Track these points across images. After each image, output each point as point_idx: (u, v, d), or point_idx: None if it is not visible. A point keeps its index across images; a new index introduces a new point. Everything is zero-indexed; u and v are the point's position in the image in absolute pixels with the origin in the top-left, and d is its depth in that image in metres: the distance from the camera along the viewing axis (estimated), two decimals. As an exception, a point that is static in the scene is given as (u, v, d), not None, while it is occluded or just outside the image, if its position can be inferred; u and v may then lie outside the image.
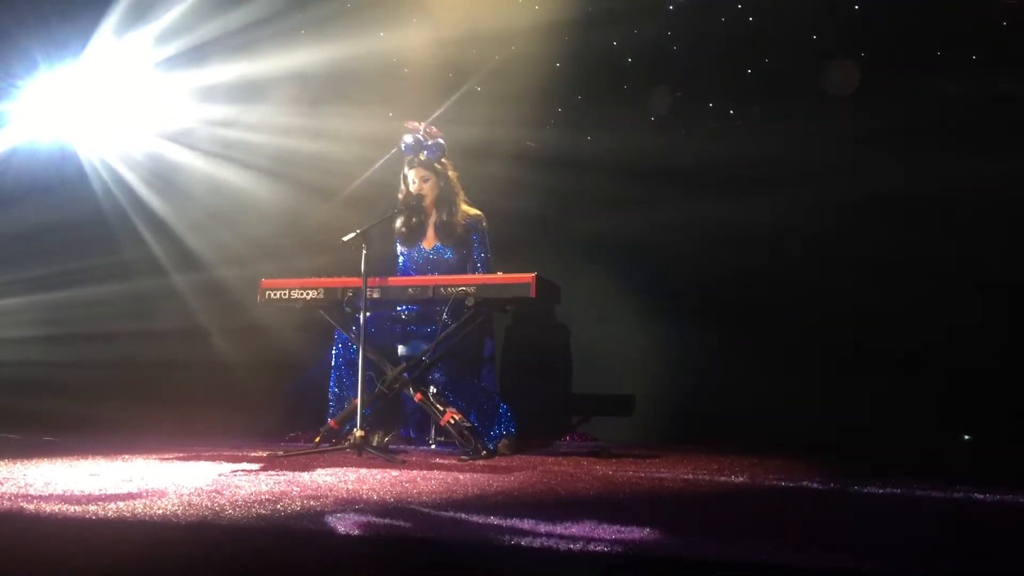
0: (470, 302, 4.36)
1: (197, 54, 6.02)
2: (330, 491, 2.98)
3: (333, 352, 4.74)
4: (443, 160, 4.80)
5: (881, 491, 3.34)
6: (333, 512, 2.56)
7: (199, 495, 2.81)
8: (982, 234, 4.94)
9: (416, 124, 4.82)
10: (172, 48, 6.03)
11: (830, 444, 4.91)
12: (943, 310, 4.93)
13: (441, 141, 4.78)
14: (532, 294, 4.29)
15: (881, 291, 5.09)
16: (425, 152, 4.76)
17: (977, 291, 4.88)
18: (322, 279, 4.62)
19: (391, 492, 2.99)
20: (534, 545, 2.13)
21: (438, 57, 5.87)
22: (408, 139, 4.76)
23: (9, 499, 2.69)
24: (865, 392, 5.01)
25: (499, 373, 5.46)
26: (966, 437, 4.99)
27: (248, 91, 6.08)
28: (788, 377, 5.16)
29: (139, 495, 2.80)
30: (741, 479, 3.59)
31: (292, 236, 6.02)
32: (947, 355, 4.91)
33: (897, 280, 5.05)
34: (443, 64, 5.89)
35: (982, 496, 3.21)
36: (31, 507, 2.55)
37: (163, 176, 6.31)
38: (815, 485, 3.49)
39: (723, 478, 3.61)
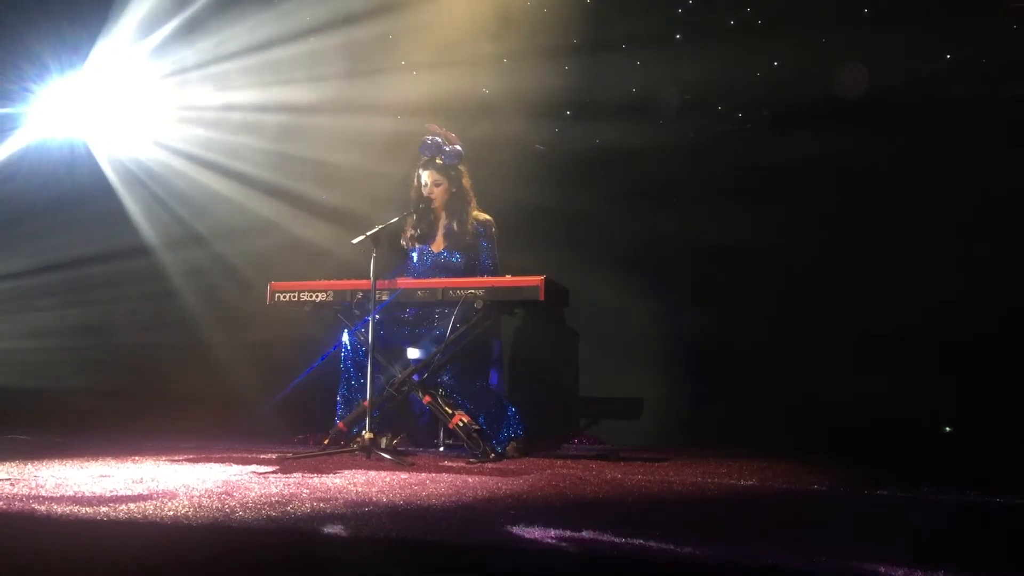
0: (479, 305, 4.36)
1: (206, 54, 6.06)
2: (340, 493, 2.99)
3: (341, 354, 4.76)
4: (459, 167, 4.81)
5: (889, 493, 3.34)
6: (343, 514, 2.56)
7: (209, 497, 2.82)
8: (988, 235, 4.94)
9: (437, 127, 4.84)
10: (180, 49, 6.07)
11: (839, 447, 4.90)
12: (947, 314, 4.92)
13: (459, 148, 4.80)
14: (541, 297, 4.30)
15: (888, 294, 5.09)
16: (442, 157, 4.78)
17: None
18: (331, 281, 4.64)
19: (400, 494, 3.00)
20: (543, 548, 2.13)
21: (447, 61, 5.89)
22: (428, 140, 4.79)
23: (20, 500, 2.70)
24: (871, 393, 4.99)
25: (507, 376, 5.46)
26: (947, 429, 4.99)
27: (257, 91, 6.11)
28: (797, 380, 5.15)
29: (150, 496, 2.81)
30: (750, 482, 3.59)
31: (300, 243, 6.04)
32: (950, 354, 4.91)
33: (906, 284, 5.04)
34: (452, 67, 5.91)
35: (988, 499, 3.21)
36: (42, 508, 2.56)
37: (171, 177, 6.34)
38: (824, 489, 3.49)
39: (732, 481, 3.61)
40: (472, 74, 5.88)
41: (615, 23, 5.63)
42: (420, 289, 4.52)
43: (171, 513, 2.51)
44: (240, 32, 5.99)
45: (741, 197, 5.40)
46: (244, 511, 2.57)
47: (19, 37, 6.03)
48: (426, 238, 4.87)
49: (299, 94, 6.11)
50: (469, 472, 3.76)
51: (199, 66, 6.08)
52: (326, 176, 6.15)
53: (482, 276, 4.69)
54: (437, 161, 4.78)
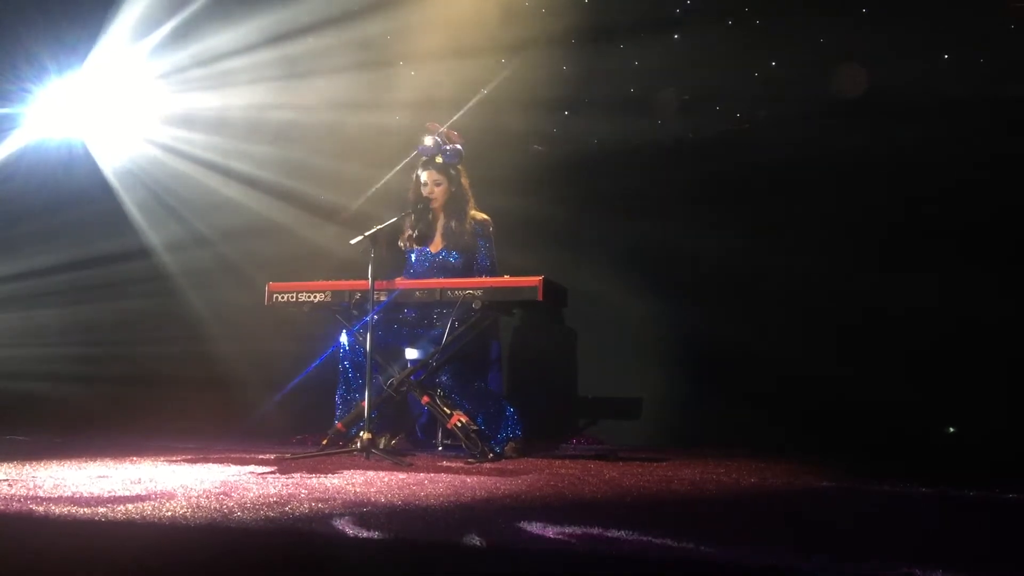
0: (477, 305, 4.36)
1: (202, 54, 6.05)
2: (338, 493, 2.98)
3: (340, 355, 4.76)
4: (458, 166, 4.81)
5: (889, 492, 3.34)
6: (341, 514, 2.56)
7: (207, 497, 2.82)
8: (988, 234, 4.94)
9: (437, 126, 4.83)
10: (178, 49, 6.06)
11: (838, 446, 4.90)
12: (948, 313, 4.92)
13: (459, 147, 4.79)
14: (539, 297, 4.29)
15: (887, 294, 5.09)
16: (442, 156, 4.77)
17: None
18: (330, 282, 4.63)
19: (399, 495, 2.99)
20: (542, 548, 2.13)
21: (445, 60, 5.89)
22: (427, 140, 4.77)
23: (19, 501, 2.70)
24: (871, 392, 4.99)
25: (506, 376, 5.46)
26: (951, 430, 4.99)
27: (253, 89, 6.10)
28: (797, 380, 5.14)
29: (148, 497, 2.81)
30: (749, 482, 3.59)
31: (299, 242, 6.03)
32: (948, 355, 4.91)
33: (907, 283, 5.04)
34: (451, 67, 5.91)
35: (989, 497, 3.21)
36: (40, 509, 2.56)
37: (169, 177, 6.33)
38: (823, 488, 3.49)
39: (731, 480, 3.61)
40: (470, 74, 5.88)
41: (613, 23, 5.63)
42: (418, 290, 4.52)
43: (169, 514, 2.51)
44: (239, 32, 5.98)
45: (741, 197, 5.40)
46: (242, 512, 2.57)
47: (17, 37, 6.02)
48: (424, 238, 4.86)
49: (298, 94, 6.10)
50: (467, 472, 3.76)
51: (197, 66, 6.07)
52: (326, 175, 6.14)
53: (480, 275, 4.68)
54: (437, 160, 4.77)
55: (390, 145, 5.74)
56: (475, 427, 4.42)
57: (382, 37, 5.99)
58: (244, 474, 3.52)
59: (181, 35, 6.02)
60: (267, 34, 5.97)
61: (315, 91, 6.07)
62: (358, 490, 3.08)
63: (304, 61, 6.06)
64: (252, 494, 2.92)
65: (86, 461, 3.88)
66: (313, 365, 5.27)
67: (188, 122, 6.24)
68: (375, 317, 4.28)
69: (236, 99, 6.11)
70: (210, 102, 6.15)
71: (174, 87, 6.17)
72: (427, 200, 4.76)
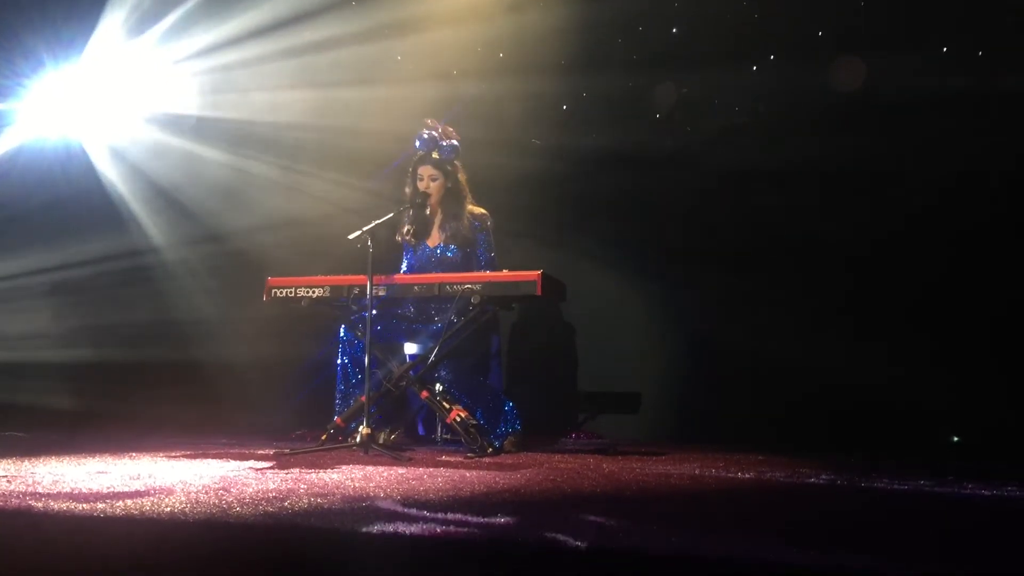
0: (476, 300, 4.36)
1: (202, 48, 6.04)
2: (337, 489, 2.98)
3: (339, 350, 4.76)
4: (455, 162, 4.81)
5: (887, 488, 3.34)
6: (340, 510, 2.56)
7: (206, 493, 2.81)
8: (991, 229, 4.94)
9: (434, 122, 4.83)
10: (178, 43, 6.05)
11: (837, 442, 4.91)
12: (948, 311, 4.92)
13: (456, 143, 4.79)
14: (538, 291, 4.29)
15: (887, 291, 5.09)
16: (438, 151, 4.77)
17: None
18: (328, 277, 4.63)
19: (398, 490, 2.99)
20: (541, 542, 2.13)
21: (442, 55, 5.88)
22: (424, 135, 4.78)
23: (17, 497, 2.70)
24: (870, 388, 4.99)
25: (505, 370, 5.46)
26: (955, 439, 4.99)
27: (254, 84, 6.09)
28: (796, 374, 5.14)
29: (147, 493, 2.81)
30: (747, 476, 3.59)
31: (300, 234, 6.03)
32: (949, 352, 4.91)
33: (906, 280, 5.04)
34: (447, 62, 5.90)
35: (988, 492, 3.21)
36: (39, 505, 2.56)
37: (167, 174, 6.32)
38: (821, 482, 3.49)
39: (729, 475, 3.61)
40: (470, 69, 5.87)
41: (612, 20, 5.62)
42: (417, 284, 4.52)
43: (168, 509, 2.51)
44: (239, 24, 5.97)
45: (739, 193, 5.40)
46: (241, 507, 2.56)
47: (14, 32, 6.00)
48: (422, 233, 4.86)
49: (299, 84, 6.09)
50: (467, 467, 3.76)
51: (196, 59, 6.06)
52: (324, 172, 6.13)
53: (479, 270, 4.69)
54: (434, 156, 4.78)
55: (389, 142, 5.73)
56: (474, 422, 4.43)
57: (381, 30, 5.98)
58: (243, 469, 3.52)
59: (180, 28, 6.01)
60: (270, 24, 5.95)
61: (315, 82, 6.06)
62: (357, 485, 3.08)
63: (303, 51, 6.04)
64: (251, 489, 2.91)
65: (85, 457, 3.88)
66: (312, 361, 5.27)
67: (188, 118, 6.23)
68: (374, 312, 4.28)
69: (236, 94, 6.09)
70: (210, 98, 6.14)
71: (172, 81, 6.15)
72: (424, 195, 4.76)
